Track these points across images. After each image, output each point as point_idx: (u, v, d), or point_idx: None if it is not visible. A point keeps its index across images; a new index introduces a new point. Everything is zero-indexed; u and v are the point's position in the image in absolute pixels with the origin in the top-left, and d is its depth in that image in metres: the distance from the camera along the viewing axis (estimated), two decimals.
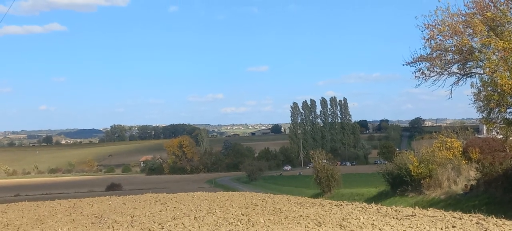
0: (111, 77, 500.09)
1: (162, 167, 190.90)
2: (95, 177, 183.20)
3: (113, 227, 15.76)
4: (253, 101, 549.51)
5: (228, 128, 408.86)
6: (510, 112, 28.83)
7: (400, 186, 45.14)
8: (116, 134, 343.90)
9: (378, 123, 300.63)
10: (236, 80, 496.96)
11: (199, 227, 14.86)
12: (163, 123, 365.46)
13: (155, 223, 16.20)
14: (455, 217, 15.88)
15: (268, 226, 14.37)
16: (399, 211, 17.72)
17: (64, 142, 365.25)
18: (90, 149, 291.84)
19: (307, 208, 19.33)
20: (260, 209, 19.34)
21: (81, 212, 21.28)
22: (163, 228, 14.95)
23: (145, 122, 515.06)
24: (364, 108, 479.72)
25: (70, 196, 53.86)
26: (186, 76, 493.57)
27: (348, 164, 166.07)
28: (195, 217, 17.33)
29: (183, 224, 15.54)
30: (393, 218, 16.04)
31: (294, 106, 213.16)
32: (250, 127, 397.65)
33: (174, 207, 21.27)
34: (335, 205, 20.44)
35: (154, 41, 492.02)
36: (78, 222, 17.77)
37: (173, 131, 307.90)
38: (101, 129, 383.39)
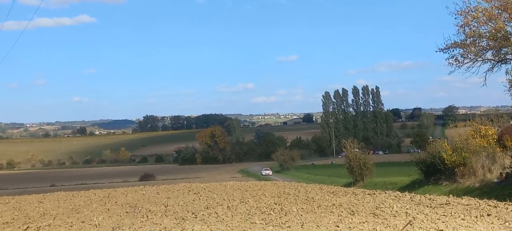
0: (142, 69, 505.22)
1: (195, 156, 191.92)
2: (129, 167, 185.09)
3: (147, 216, 15.93)
4: (283, 91, 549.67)
5: (260, 117, 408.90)
6: None
7: (433, 174, 44.69)
8: (149, 124, 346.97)
9: (411, 111, 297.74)
10: (266, 70, 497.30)
11: (232, 216, 14.94)
12: (195, 113, 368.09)
13: (188, 212, 16.33)
14: (490, 205, 15.69)
15: (301, 215, 14.38)
16: (433, 200, 17.57)
17: (97, 132, 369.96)
18: (124, 139, 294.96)
19: (339, 197, 19.30)
20: (293, 198, 19.37)
21: (116, 202, 21.56)
22: (196, 217, 15.06)
23: (177, 112, 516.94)
24: (396, 97, 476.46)
25: (105, 186, 54.77)
26: (216, 67, 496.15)
27: (380, 152, 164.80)
28: (228, 206, 17.43)
29: (216, 213, 15.65)
30: (427, 206, 15.92)
31: (326, 95, 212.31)
32: (281, 117, 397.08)
33: (207, 197, 21.41)
34: (368, 194, 20.37)
35: (183, 33, 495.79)
36: (113, 211, 18.02)
37: (205, 121, 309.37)
38: (133, 120, 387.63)
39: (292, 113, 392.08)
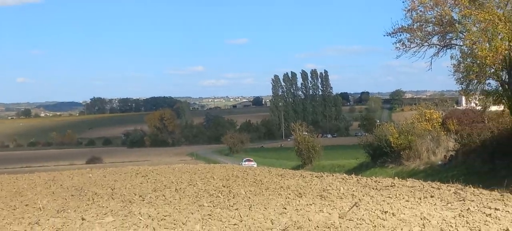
0: (89, 51, 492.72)
1: (143, 139, 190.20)
2: (75, 150, 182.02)
3: (93, 199, 15.69)
4: (233, 74, 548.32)
5: (209, 100, 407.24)
6: (488, 83, 29.12)
7: (380, 157, 45.60)
8: (96, 107, 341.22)
9: (359, 95, 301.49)
10: (215, 53, 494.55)
11: (180, 198, 14.85)
12: (144, 96, 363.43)
13: (136, 195, 16.15)
14: (433, 187, 16.04)
15: (249, 197, 14.40)
16: (379, 182, 17.85)
17: (43, 114, 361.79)
18: (70, 121, 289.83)
19: (287, 180, 19.41)
20: (241, 181, 19.38)
21: (61, 185, 21.15)
22: (143, 200, 14.91)
23: (125, 94, 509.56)
24: (344, 81, 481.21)
25: (50, 169, 53.70)
26: (165, 49, 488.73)
27: (329, 136, 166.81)
28: (176, 189, 17.31)
29: (164, 196, 15.53)
30: (373, 188, 16.16)
31: (275, 79, 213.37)
32: (231, 100, 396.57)
33: (155, 179, 21.22)
34: (315, 177, 20.54)
35: (131, 14, 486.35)
36: (58, 194, 17.66)
37: (154, 103, 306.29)
38: (80, 102, 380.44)
39: (241, 96, 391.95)
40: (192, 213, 11.78)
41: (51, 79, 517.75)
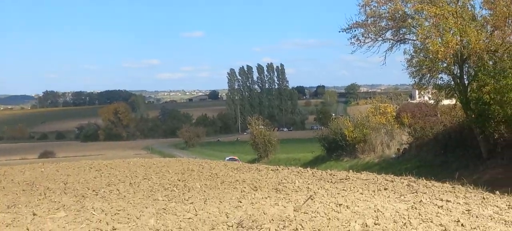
0: (42, 43, 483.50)
1: (97, 133, 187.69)
2: (27, 144, 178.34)
3: (45, 194, 15.38)
4: (189, 67, 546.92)
5: (165, 94, 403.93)
6: (441, 77, 29.72)
7: (335, 150, 46.07)
8: (49, 100, 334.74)
9: (315, 89, 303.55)
10: (171, 46, 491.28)
11: (134, 193, 14.68)
12: (98, 89, 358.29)
13: (89, 189, 15.90)
14: (387, 180, 16.25)
15: (204, 191, 14.34)
16: (334, 175, 17.98)
17: None
18: (22, 115, 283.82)
19: (243, 173, 19.39)
20: (197, 175, 19.27)
21: (12, 180, 20.67)
22: (97, 194, 14.69)
23: (79, 88, 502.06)
24: (300, 75, 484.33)
25: (1, 164, 52.42)
26: (120, 42, 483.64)
27: (285, 129, 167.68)
28: (130, 183, 17.11)
29: (118, 190, 15.33)
30: (328, 181, 16.28)
31: (231, 72, 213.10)
32: (187, 93, 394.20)
33: (109, 174, 20.92)
34: (271, 170, 20.56)
35: (85, 5, 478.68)
36: (8, 189, 17.26)
37: (108, 97, 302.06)
38: (33, 95, 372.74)
39: (198, 90, 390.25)
40: (146, 207, 11.65)
41: (1, 72, 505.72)
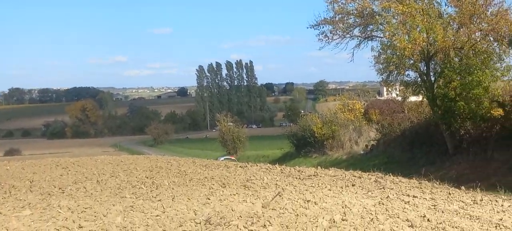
0: (5, 38, 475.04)
1: (64, 131, 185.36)
2: None
3: (10, 192, 15.13)
4: (157, 64, 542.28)
5: (133, 91, 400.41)
6: (408, 74, 30.05)
7: (304, 147, 46.23)
8: (15, 97, 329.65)
9: (284, 86, 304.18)
10: (139, 43, 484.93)
11: (102, 190, 14.54)
12: (65, 86, 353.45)
13: (55, 187, 15.69)
14: (355, 176, 16.38)
15: (173, 188, 14.26)
16: (302, 172, 18.05)
17: None
18: None
19: (212, 170, 19.35)
20: (165, 172, 19.17)
21: None
22: (63, 192, 14.50)
23: (46, 85, 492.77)
24: (269, 72, 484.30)
25: None
26: (87, 38, 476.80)
27: (254, 126, 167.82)
28: (97, 180, 16.94)
29: (85, 188, 15.15)
30: (296, 178, 16.33)
31: (200, 69, 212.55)
32: (155, 90, 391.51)
33: (76, 171, 20.69)
34: (240, 167, 20.58)
35: (49, 1, 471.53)
36: None
37: (75, 94, 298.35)
38: None
39: (166, 87, 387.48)
40: (113, 205, 11.54)
41: None
